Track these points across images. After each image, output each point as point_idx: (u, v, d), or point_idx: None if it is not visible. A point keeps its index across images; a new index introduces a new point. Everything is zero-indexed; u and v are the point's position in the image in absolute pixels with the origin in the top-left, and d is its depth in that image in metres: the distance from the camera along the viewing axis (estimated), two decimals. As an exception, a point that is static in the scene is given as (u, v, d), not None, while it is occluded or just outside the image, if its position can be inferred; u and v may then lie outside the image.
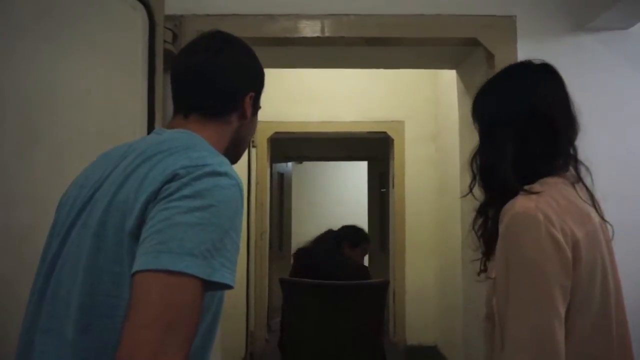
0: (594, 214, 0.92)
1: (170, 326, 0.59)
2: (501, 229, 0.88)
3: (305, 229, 6.94)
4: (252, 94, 0.91)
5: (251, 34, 1.82)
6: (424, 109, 4.01)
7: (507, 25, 1.82)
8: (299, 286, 2.21)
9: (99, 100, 1.43)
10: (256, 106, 0.94)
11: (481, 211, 1.00)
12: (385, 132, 4.07)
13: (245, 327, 3.81)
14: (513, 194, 0.91)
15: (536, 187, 0.90)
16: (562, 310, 0.82)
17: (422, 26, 1.81)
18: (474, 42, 1.84)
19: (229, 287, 0.66)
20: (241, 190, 0.72)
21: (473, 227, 1.03)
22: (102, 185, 0.76)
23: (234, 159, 0.93)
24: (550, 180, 0.93)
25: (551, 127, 0.96)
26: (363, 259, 2.95)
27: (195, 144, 0.77)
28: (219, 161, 0.73)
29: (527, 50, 1.85)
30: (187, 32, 1.79)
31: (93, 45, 1.41)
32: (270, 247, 4.52)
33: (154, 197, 0.68)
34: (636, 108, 1.89)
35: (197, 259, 0.62)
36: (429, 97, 3.99)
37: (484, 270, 1.01)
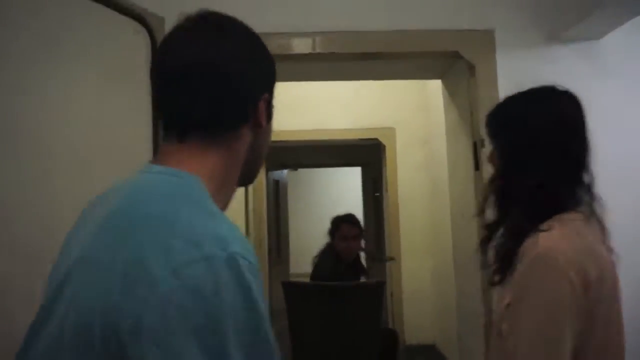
0: (605, 252, 0.92)
1: None
2: (522, 267, 0.89)
3: (303, 233, 7.09)
4: (267, 94, 0.68)
5: (247, 52, 1.94)
6: (414, 115, 4.13)
7: (486, 39, 1.94)
8: (299, 288, 2.32)
9: (108, 121, 1.53)
10: (271, 109, 0.71)
11: (492, 230, 1.01)
12: (376, 139, 4.20)
13: (246, 332, 3.90)
14: (531, 223, 0.92)
15: (555, 225, 0.90)
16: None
17: (407, 41, 1.93)
18: (456, 55, 1.96)
19: None
20: (253, 265, 0.51)
21: (495, 246, 1.02)
22: (70, 272, 0.54)
23: (249, 180, 0.74)
24: (566, 216, 0.93)
25: (576, 156, 0.97)
26: (357, 240, 2.81)
27: (172, 225, 0.51)
28: (221, 239, 0.50)
29: (505, 61, 1.97)
30: (186, 52, 1.90)
31: (100, 70, 1.52)
32: (269, 253, 4.62)
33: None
34: (606, 116, 2.01)
35: None
36: (419, 104, 4.11)
37: (497, 282, 1.00)
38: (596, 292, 0.85)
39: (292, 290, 2.30)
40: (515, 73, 1.97)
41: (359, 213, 6.21)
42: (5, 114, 1.26)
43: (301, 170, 7.51)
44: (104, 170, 1.48)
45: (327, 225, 2.99)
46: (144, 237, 0.50)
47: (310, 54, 1.91)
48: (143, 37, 1.64)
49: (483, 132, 1.92)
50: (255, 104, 0.67)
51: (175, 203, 0.54)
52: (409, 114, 4.15)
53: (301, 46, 1.92)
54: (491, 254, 1.04)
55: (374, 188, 5.52)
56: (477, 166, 1.96)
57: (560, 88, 1.02)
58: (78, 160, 1.43)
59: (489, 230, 1.02)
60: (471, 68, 1.96)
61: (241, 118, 0.66)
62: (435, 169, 3.70)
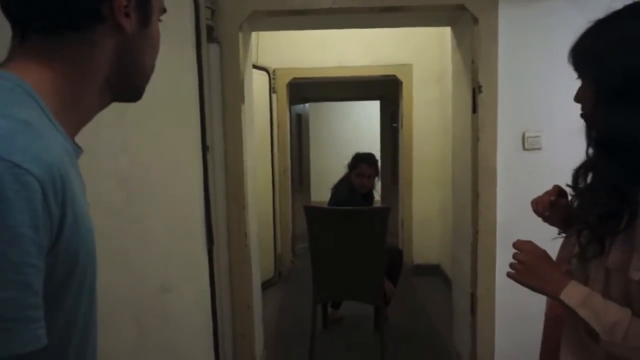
0: None
1: None
2: None
3: (324, 163, 7.48)
4: None
5: (275, 7, 2.19)
6: (431, 52, 4.28)
7: (490, -7, 2.14)
8: (320, 211, 2.72)
9: (160, 71, 1.86)
10: (146, 11, 0.62)
11: (607, 191, 0.83)
12: (394, 75, 4.40)
13: (273, 251, 4.42)
14: None
15: None
16: None
17: (418, -4, 2.15)
18: (462, 8, 2.17)
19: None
20: (22, 170, 0.45)
21: (582, 205, 0.90)
22: None
23: (133, 94, 0.67)
24: None
25: None
26: (372, 179, 3.10)
27: None
28: None
29: (507, 14, 2.18)
30: (222, 7, 2.16)
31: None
32: (292, 182, 5.02)
33: None
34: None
35: None
36: (435, 41, 4.23)
37: (595, 255, 0.86)
38: None
39: (313, 213, 2.70)
40: (516, 25, 2.18)
41: (376, 143, 6.55)
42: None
43: (323, 103, 7.73)
44: (156, 124, 1.82)
45: (346, 156, 3.34)
46: None
47: (330, 8, 2.16)
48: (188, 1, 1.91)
49: (482, 79, 2.19)
50: (109, 2, 0.58)
51: None
52: (426, 50, 4.30)
53: (322, 1, 2.16)
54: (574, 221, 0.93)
55: (392, 120, 5.76)
56: (474, 109, 2.25)
57: None
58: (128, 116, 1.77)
59: (599, 191, 0.87)
60: (475, 20, 2.17)
61: (88, 16, 0.57)
62: (448, 105, 3.93)
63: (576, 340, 0.89)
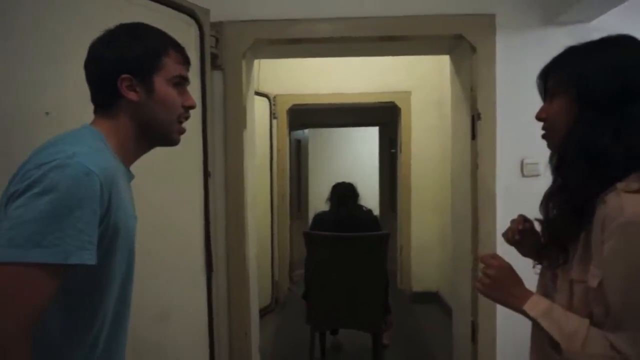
0: None
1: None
2: (612, 236, 0.81)
3: (322, 190, 7.46)
4: (126, 75, 0.90)
5: (277, 36, 2.23)
6: (430, 79, 4.35)
7: (487, 23, 2.19)
8: (316, 238, 2.71)
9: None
10: (147, 84, 0.92)
11: (558, 195, 0.93)
12: (393, 102, 4.45)
13: (271, 277, 4.37)
14: (605, 182, 0.85)
15: (634, 185, 0.83)
16: None
17: (416, 26, 2.19)
18: (460, 37, 2.21)
19: (68, 265, 0.75)
20: (93, 172, 0.78)
21: (543, 213, 0.99)
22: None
23: (165, 141, 0.99)
24: (635, 176, 0.85)
25: None
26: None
27: (64, 138, 0.85)
28: (72, 153, 0.79)
29: (504, 43, 2.22)
30: (226, 35, 2.20)
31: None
32: (290, 208, 5.01)
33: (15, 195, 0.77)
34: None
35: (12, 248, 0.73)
36: (434, 68, 4.30)
37: (559, 264, 0.94)
38: None
39: (313, 239, 2.69)
40: (512, 54, 2.23)
41: (375, 169, 6.58)
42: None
43: (322, 129, 7.79)
44: (157, 150, 1.82)
45: (346, 179, 3.35)
46: (38, 152, 0.83)
47: (330, 37, 2.20)
48: (193, 28, 1.95)
49: (480, 106, 2.22)
50: (114, 84, 0.90)
51: (64, 138, 0.86)
52: (425, 77, 4.37)
53: (321, 31, 2.20)
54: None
55: (391, 146, 5.80)
56: (473, 136, 2.27)
57: (628, 36, 0.96)
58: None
59: (551, 191, 0.97)
60: (473, 49, 2.22)
61: (109, 97, 0.92)
62: (447, 131, 3.96)
63: (542, 354, 0.95)
